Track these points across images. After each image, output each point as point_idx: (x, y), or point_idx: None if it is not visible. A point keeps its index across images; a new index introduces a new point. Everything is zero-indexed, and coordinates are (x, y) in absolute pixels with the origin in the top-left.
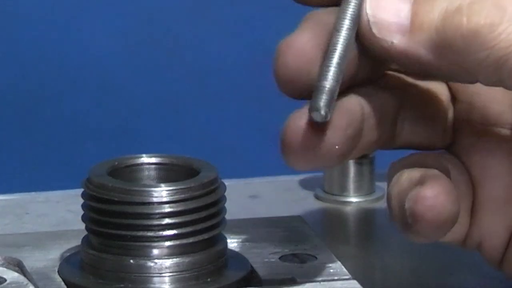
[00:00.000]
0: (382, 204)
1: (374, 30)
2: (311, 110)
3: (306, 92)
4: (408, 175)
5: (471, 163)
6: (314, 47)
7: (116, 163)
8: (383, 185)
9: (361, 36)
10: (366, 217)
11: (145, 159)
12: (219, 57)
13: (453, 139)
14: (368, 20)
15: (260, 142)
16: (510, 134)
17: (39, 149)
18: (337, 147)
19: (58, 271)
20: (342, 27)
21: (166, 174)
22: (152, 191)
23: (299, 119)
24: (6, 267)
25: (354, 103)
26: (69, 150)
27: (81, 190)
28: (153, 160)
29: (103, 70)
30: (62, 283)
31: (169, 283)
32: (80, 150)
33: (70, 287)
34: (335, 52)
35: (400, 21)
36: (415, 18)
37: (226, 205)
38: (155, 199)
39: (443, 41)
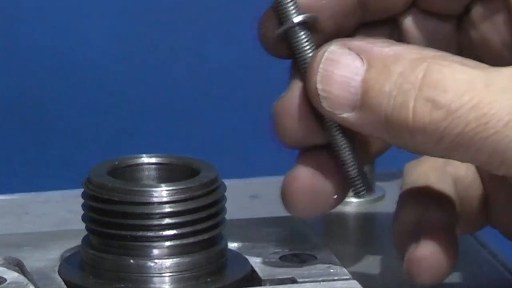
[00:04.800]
0: (382, 204)
1: (324, 104)
2: (359, 195)
3: (307, 143)
4: (407, 217)
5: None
6: (306, 106)
7: (116, 163)
8: (383, 185)
9: (313, 104)
10: (366, 217)
11: (145, 159)
12: (219, 57)
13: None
14: (318, 94)
15: (260, 142)
16: None
17: (39, 149)
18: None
19: (58, 271)
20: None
21: (166, 174)
22: (152, 191)
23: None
24: (6, 267)
25: None
26: (69, 150)
27: (81, 190)
28: (153, 160)
29: (103, 70)
30: (62, 283)
31: (169, 283)
32: (80, 150)
33: (70, 287)
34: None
35: (350, 97)
36: (365, 97)
37: (226, 205)
38: (155, 199)
39: (392, 128)
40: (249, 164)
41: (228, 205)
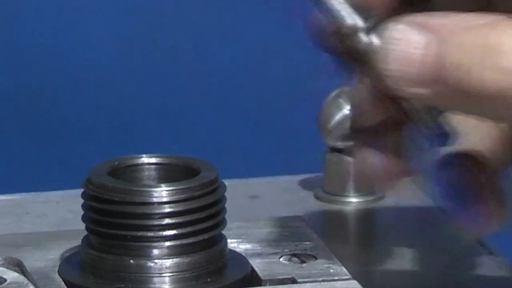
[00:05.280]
0: (382, 204)
1: (398, 83)
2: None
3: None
4: None
5: None
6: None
7: (116, 163)
8: None
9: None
10: (366, 217)
11: (145, 159)
12: (219, 57)
13: None
14: (392, 75)
15: (260, 142)
16: None
17: (39, 149)
18: None
19: (58, 271)
20: None
21: (166, 174)
22: (152, 191)
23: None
24: (6, 267)
25: None
26: (69, 150)
27: (81, 190)
28: (153, 160)
29: (103, 70)
30: (62, 283)
31: (169, 283)
32: (80, 150)
33: (70, 287)
34: None
35: (424, 73)
36: (440, 72)
37: (226, 205)
38: (155, 199)
39: (469, 100)
40: (249, 164)
41: (228, 205)
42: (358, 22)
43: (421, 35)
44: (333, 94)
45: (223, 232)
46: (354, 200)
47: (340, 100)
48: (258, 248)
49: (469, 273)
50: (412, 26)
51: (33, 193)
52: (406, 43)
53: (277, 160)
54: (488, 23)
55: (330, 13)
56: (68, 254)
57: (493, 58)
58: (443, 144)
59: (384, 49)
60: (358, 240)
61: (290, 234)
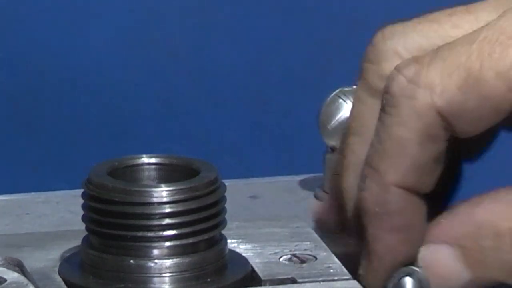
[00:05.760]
0: None
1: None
2: None
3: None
4: None
5: None
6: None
7: (116, 163)
8: None
9: None
10: None
11: (145, 159)
12: (219, 57)
13: None
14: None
15: (260, 142)
16: None
17: (39, 149)
18: None
19: (58, 271)
20: None
21: (166, 174)
22: (152, 191)
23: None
24: (6, 267)
25: None
26: (69, 150)
27: (81, 190)
28: (153, 160)
29: (103, 70)
30: (62, 283)
31: (169, 283)
32: (80, 150)
33: (70, 287)
34: None
35: (461, 276)
36: (475, 273)
37: (226, 205)
38: (155, 200)
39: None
40: (249, 164)
41: (228, 205)
42: None
43: (446, 254)
44: (333, 94)
45: (223, 232)
46: None
47: (340, 100)
48: (258, 248)
49: None
50: (433, 247)
51: (33, 193)
52: (437, 266)
53: (277, 160)
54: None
55: None
56: (68, 254)
57: None
58: None
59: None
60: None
61: (290, 234)
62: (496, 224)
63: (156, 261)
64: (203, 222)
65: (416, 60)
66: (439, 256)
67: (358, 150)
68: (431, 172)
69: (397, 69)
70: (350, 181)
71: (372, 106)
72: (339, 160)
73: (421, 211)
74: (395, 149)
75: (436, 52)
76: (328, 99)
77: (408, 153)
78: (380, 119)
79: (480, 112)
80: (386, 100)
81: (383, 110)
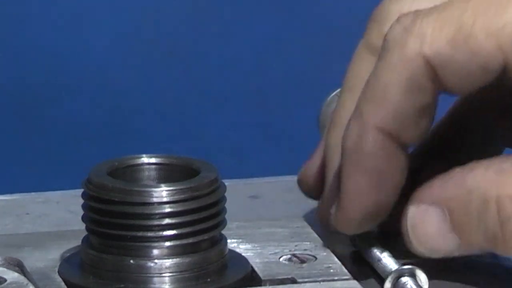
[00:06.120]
0: None
1: (435, 256)
2: None
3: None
4: None
5: None
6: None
7: (116, 163)
8: None
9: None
10: None
11: (145, 159)
12: (219, 57)
13: None
14: (425, 253)
15: (260, 142)
16: None
17: (39, 149)
18: None
19: (58, 271)
20: None
21: (166, 174)
22: (152, 191)
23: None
24: (6, 267)
25: None
26: (69, 150)
27: (81, 190)
28: (153, 160)
29: (103, 70)
30: (62, 283)
31: (169, 283)
32: (80, 150)
33: (70, 287)
34: None
35: (447, 242)
36: (461, 240)
37: (226, 205)
38: (155, 200)
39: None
40: (249, 164)
41: (228, 205)
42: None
43: (433, 213)
44: (333, 94)
45: (223, 232)
46: None
47: None
48: (258, 248)
49: (468, 273)
50: (421, 206)
51: (33, 193)
52: (422, 226)
53: (277, 160)
54: (490, 195)
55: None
56: (68, 254)
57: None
58: None
59: (406, 233)
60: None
61: (290, 234)
62: (484, 191)
63: (156, 261)
64: (203, 222)
65: (416, 12)
66: (428, 216)
67: (348, 106)
68: (415, 123)
69: (398, 19)
70: (337, 137)
71: (370, 63)
72: (330, 117)
73: (397, 161)
74: (379, 93)
75: (436, 6)
76: (328, 99)
77: (391, 98)
78: (374, 66)
79: (468, 68)
80: (382, 47)
81: (378, 58)
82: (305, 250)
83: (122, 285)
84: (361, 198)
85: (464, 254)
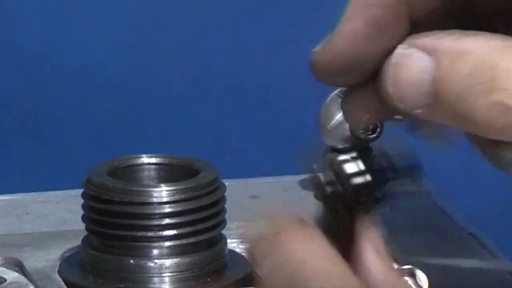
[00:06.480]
0: (381, 204)
1: (398, 105)
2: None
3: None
4: None
5: None
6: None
7: (116, 163)
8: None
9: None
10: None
11: (145, 159)
12: (219, 57)
13: None
14: (392, 97)
15: (260, 142)
16: None
17: (39, 149)
18: None
19: (58, 271)
20: None
21: (166, 174)
22: (152, 191)
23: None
24: (6, 267)
25: None
26: (69, 150)
27: (81, 190)
28: (153, 160)
29: (103, 70)
30: (62, 283)
31: (169, 283)
32: (80, 150)
33: (70, 287)
34: None
35: (422, 96)
36: (437, 97)
37: (226, 205)
38: (155, 199)
39: (465, 125)
40: (249, 164)
41: (228, 205)
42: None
43: (420, 59)
44: (333, 94)
45: (223, 232)
46: None
47: (340, 100)
48: None
49: (469, 273)
50: (411, 49)
51: (33, 193)
52: (405, 68)
53: (277, 160)
54: (488, 55)
55: None
56: (68, 254)
57: (490, 94)
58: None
59: (386, 73)
60: None
61: None
62: (482, 56)
63: (156, 261)
64: (203, 222)
65: None
66: (413, 60)
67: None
68: None
69: None
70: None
71: None
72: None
73: (400, 24)
74: None
75: None
76: (328, 99)
77: None
78: None
79: None
80: None
81: None
82: None
83: (122, 285)
84: (352, 39)
85: (426, 119)
